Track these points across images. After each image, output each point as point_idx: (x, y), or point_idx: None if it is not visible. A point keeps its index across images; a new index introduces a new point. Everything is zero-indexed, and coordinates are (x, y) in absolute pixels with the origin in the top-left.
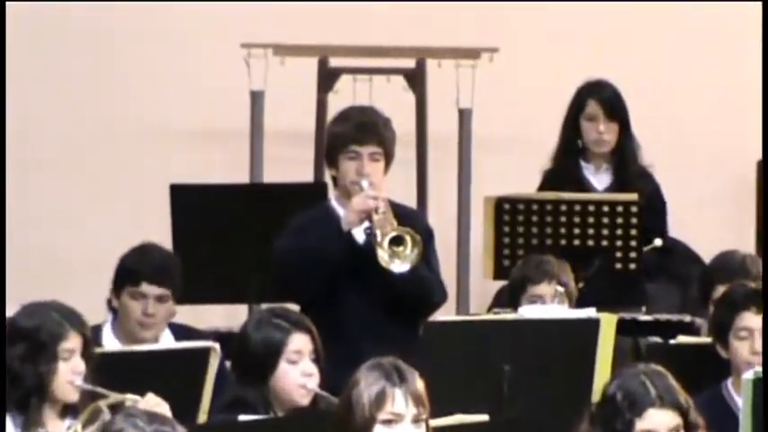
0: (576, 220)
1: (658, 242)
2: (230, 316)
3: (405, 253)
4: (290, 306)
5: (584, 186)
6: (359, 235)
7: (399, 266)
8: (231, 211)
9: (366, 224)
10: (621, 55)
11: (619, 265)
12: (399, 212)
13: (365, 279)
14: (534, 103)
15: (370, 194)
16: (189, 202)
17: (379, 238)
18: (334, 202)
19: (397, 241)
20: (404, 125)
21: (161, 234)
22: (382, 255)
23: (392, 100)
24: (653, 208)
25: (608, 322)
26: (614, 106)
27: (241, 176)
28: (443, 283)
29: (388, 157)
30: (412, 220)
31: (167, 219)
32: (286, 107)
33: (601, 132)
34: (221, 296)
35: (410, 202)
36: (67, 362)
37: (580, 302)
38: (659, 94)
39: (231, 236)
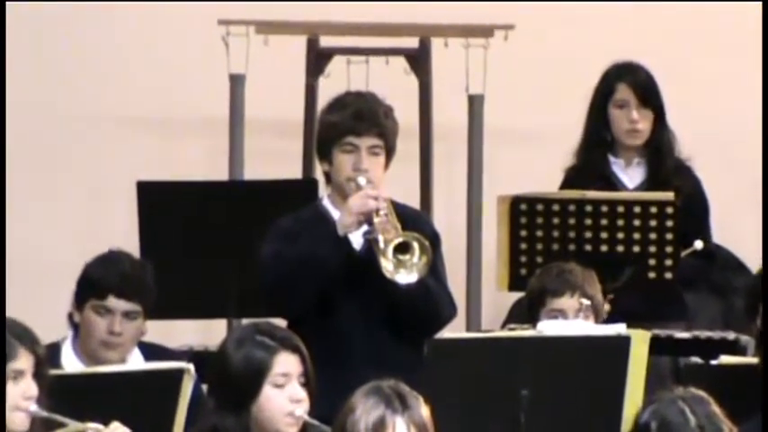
0: (604, 222)
1: (699, 245)
2: (207, 333)
3: (411, 261)
4: (277, 322)
5: (613, 184)
6: (356, 240)
7: (406, 277)
8: (208, 213)
9: (365, 228)
10: (655, 33)
11: (653, 274)
12: (402, 214)
13: (363, 291)
14: (556, 89)
15: (369, 194)
16: (159, 202)
17: (381, 245)
18: (326, 202)
19: (402, 248)
20: (405, 114)
21: (127, 239)
22: (386, 264)
23: (392, 85)
24: (692, 208)
25: (640, 340)
26: (648, 91)
27: (219, 172)
28: (452, 297)
29: (390, 151)
30: (416, 223)
31: (134, 221)
32: (270, 93)
33: (633, 121)
34: (196, 310)
35: (412, 202)
36: (16, 384)
37: (608, 317)
38: (697, 79)
39: (208, 241)
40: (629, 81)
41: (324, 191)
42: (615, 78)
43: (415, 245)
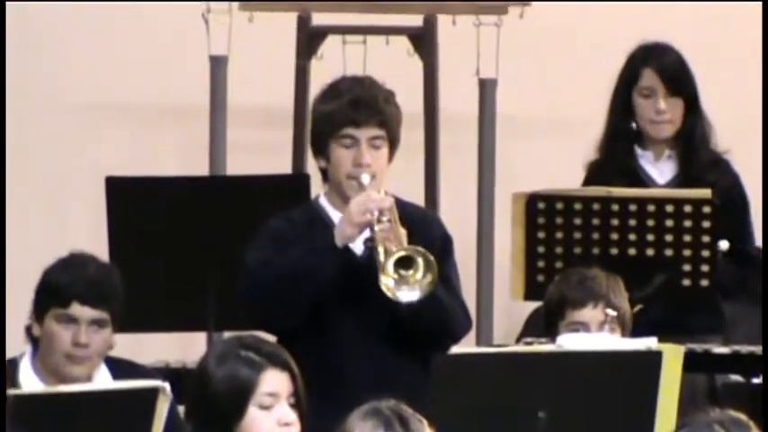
0: (632, 223)
1: (723, 245)
2: (184, 347)
3: (415, 278)
4: (264, 335)
5: (641, 180)
6: (357, 246)
7: (407, 295)
8: (185, 212)
9: (367, 233)
10: (690, 9)
11: (687, 281)
12: (407, 216)
13: (364, 301)
14: (577, 73)
15: (372, 198)
16: (130, 200)
17: (382, 258)
18: (323, 201)
19: (405, 263)
20: (408, 101)
21: (93, 242)
22: (386, 280)
23: (393, 68)
24: (729, 207)
25: (673, 355)
26: (677, 78)
27: (198, 167)
28: (467, 309)
29: (393, 142)
30: (425, 225)
31: (101, 222)
32: (256, 77)
33: (660, 112)
34: (172, 321)
35: (415, 200)
36: None
37: (637, 330)
38: (737, 62)
39: (185, 244)
40: (655, 66)
41: (318, 188)
42: (640, 63)
43: (420, 260)
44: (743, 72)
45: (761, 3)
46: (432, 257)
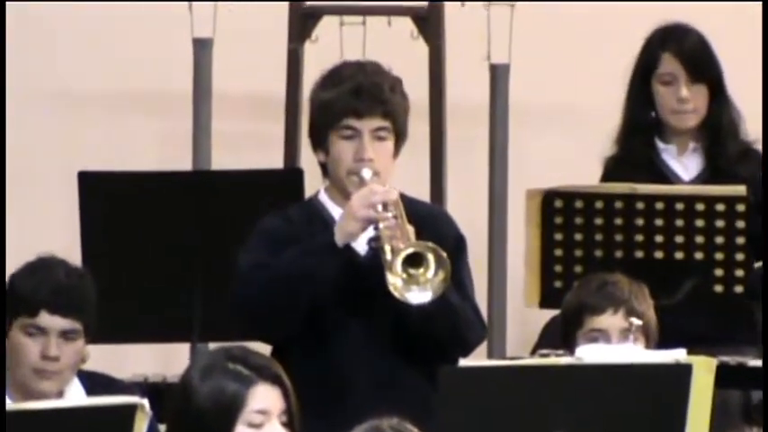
0: (659, 223)
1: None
2: (164, 360)
3: (425, 277)
4: (253, 346)
5: (665, 176)
6: (360, 245)
7: (418, 296)
8: (166, 211)
9: (370, 231)
10: None
11: (719, 287)
12: (415, 213)
13: (368, 307)
14: (597, 58)
15: (375, 191)
16: (105, 198)
17: (389, 257)
18: (324, 198)
19: (414, 261)
20: (412, 89)
21: (63, 243)
22: (394, 280)
23: (395, 53)
24: (762, 204)
25: (704, 368)
26: (700, 61)
27: (181, 161)
28: (481, 315)
29: (399, 134)
30: (435, 223)
31: (74, 221)
32: (244, 62)
33: (682, 99)
34: (151, 331)
35: (420, 197)
36: None
37: (663, 340)
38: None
39: (166, 246)
40: (675, 50)
41: (314, 185)
42: (658, 47)
43: (431, 257)
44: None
45: (761, 2)
46: (443, 253)
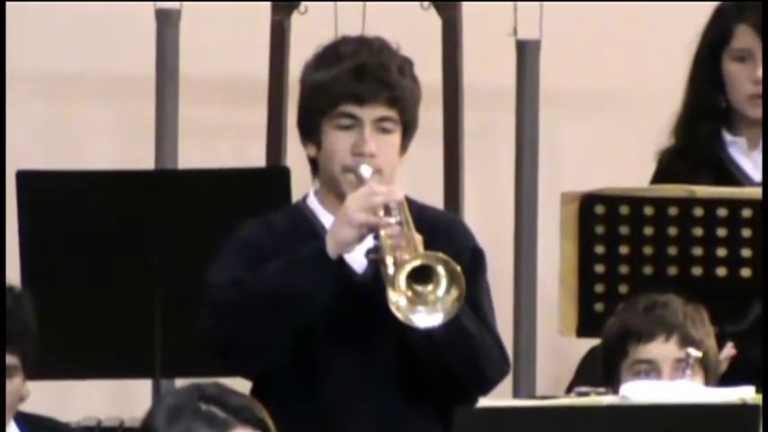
0: (720, 233)
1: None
2: (122, 399)
3: (435, 295)
4: (229, 382)
5: (731, 175)
6: (356, 261)
7: (426, 318)
8: (123, 219)
9: (370, 241)
10: None
11: None
12: (427, 222)
13: (366, 331)
14: (645, 34)
15: (375, 191)
16: (49, 202)
17: (391, 271)
18: (313, 202)
19: (421, 276)
20: (423, 69)
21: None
22: (396, 298)
23: (402, 27)
24: None
25: None
26: None
27: (140, 157)
28: (503, 345)
29: (408, 126)
30: (449, 233)
31: (10, 229)
32: (217, 38)
33: (759, 81)
34: (105, 365)
35: (433, 199)
36: None
37: (726, 375)
38: None
39: (124, 261)
40: (752, 21)
41: (304, 186)
42: (732, 17)
43: (441, 271)
44: None
45: (761, 2)
46: (457, 267)
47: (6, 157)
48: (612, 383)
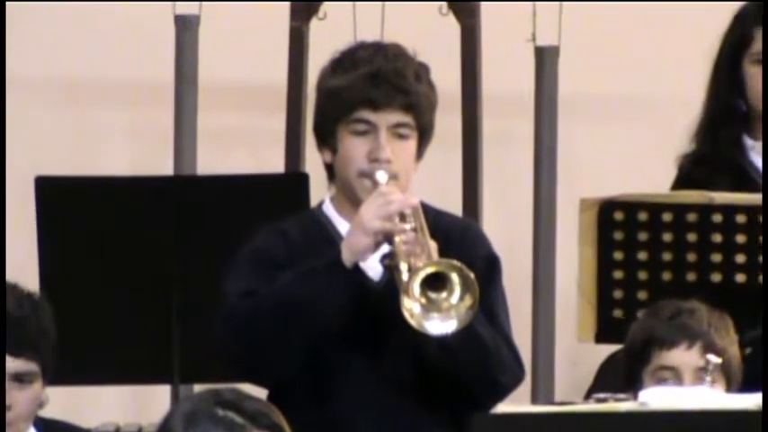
0: (741, 240)
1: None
2: (139, 405)
3: (449, 302)
4: (247, 388)
5: (752, 180)
6: (372, 268)
7: (439, 326)
8: (141, 225)
9: (384, 248)
10: None
11: None
12: (443, 229)
13: (380, 339)
14: (663, 39)
15: (390, 198)
16: (68, 208)
17: (405, 277)
18: (329, 209)
19: (435, 283)
20: (442, 75)
21: (16, 262)
22: (410, 305)
23: (420, 33)
24: None
25: None
26: None
27: (159, 163)
28: (518, 352)
29: (424, 132)
30: (465, 240)
31: (30, 235)
32: (236, 44)
33: None
34: (123, 371)
35: (450, 206)
36: None
37: (748, 382)
38: None
39: (140, 267)
40: None
41: (322, 192)
42: (753, 21)
43: (455, 278)
44: None
45: (762, 2)
46: (471, 274)
47: (25, 162)
48: (632, 389)
